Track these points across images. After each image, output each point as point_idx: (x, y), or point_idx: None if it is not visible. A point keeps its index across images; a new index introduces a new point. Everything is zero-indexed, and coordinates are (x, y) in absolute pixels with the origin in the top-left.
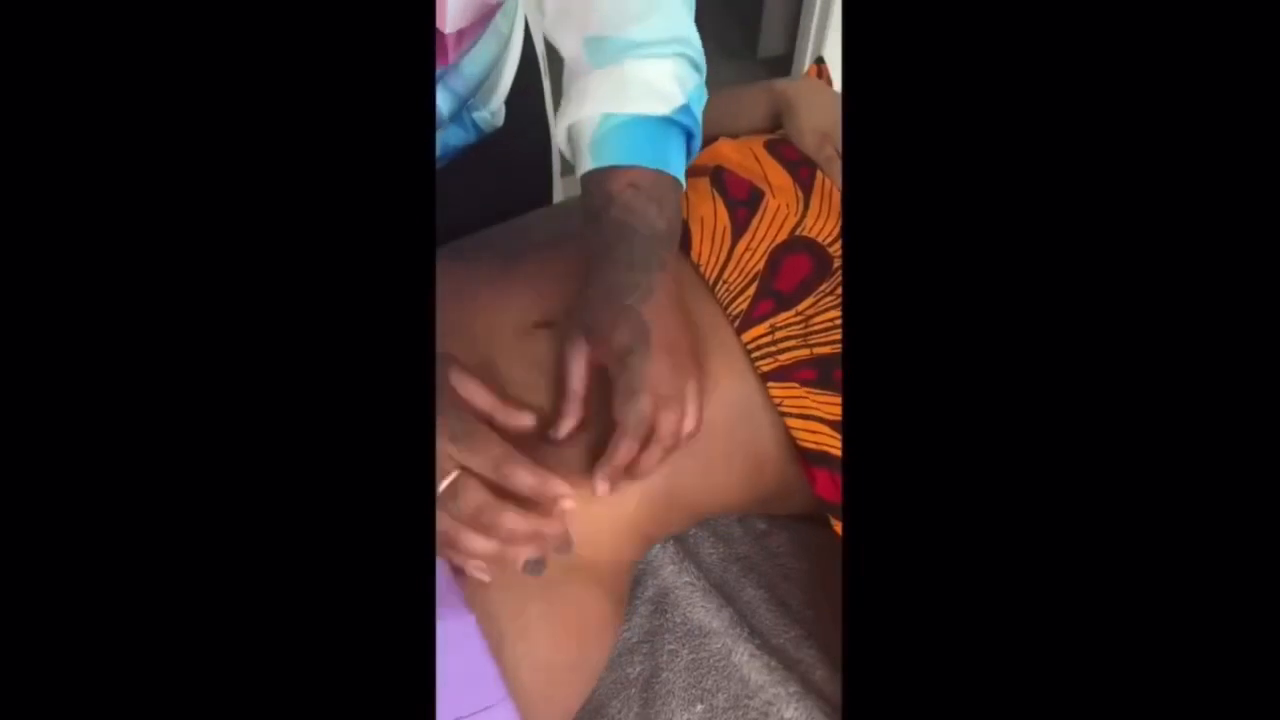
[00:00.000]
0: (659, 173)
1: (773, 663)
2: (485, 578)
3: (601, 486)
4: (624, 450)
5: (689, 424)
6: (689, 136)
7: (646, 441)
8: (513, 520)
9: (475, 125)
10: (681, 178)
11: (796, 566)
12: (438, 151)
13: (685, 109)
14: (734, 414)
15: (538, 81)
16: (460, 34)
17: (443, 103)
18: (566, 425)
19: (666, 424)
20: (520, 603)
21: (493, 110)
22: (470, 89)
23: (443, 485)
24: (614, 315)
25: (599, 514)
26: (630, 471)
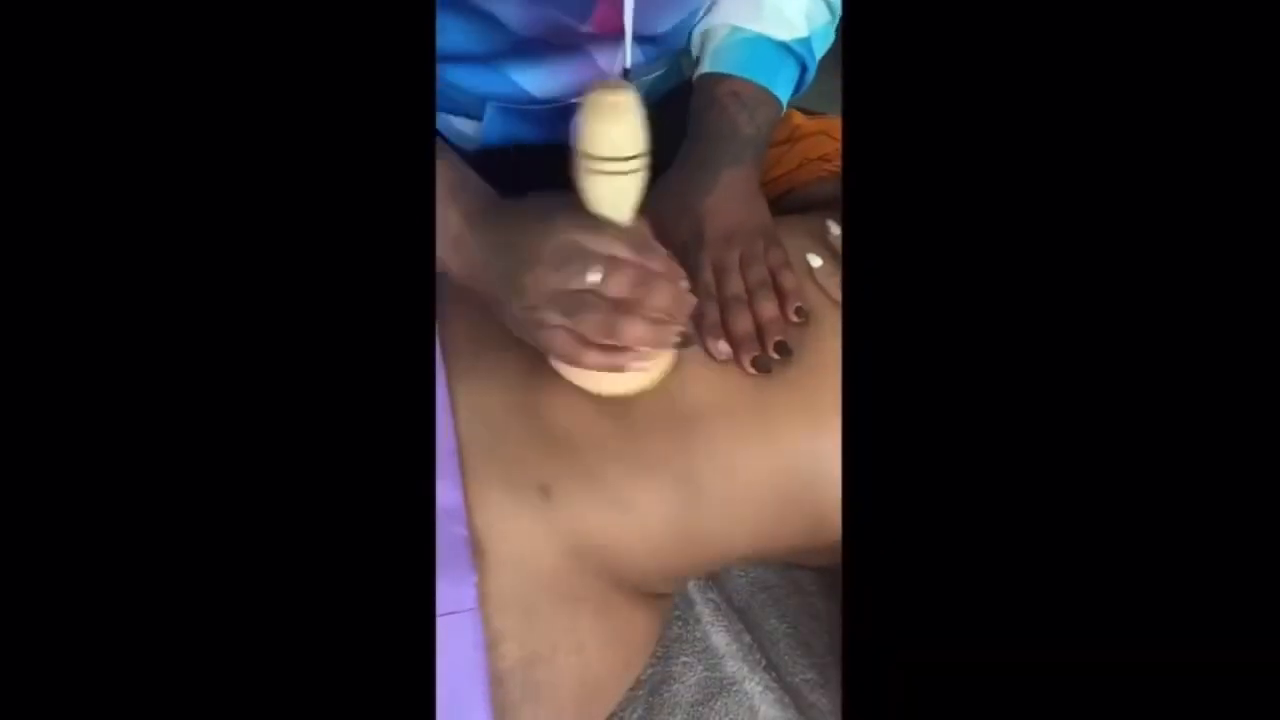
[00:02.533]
0: (761, 89)
1: (785, 699)
2: (645, 367)
3: (719, 350)
4: (708, 314)
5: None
6: (803, 68)
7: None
8: (665, 293)
9: (680, 69)
10: (784, 101)
11: (824, 607)
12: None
13: (805, 41)
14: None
15: None
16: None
17: (646, 54)
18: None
19: (733, 293)
20: (574, 615)
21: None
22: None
23: (596, 274)
24: (674, 211)
25: (648, 543)
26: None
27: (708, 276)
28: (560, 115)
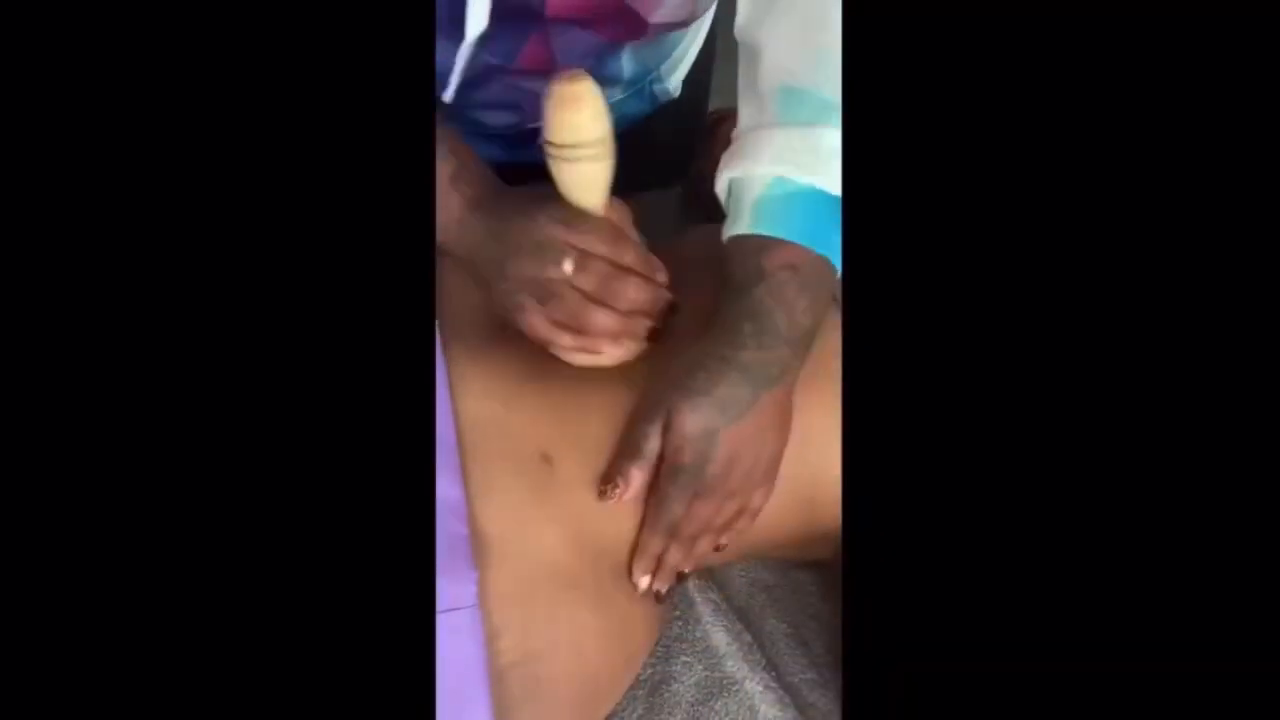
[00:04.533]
0: (822, 259)
1: (785, 699)
2: (619, 350)
3: (642, 581)
4: (651, 545)
5: (719, 542)
6: None
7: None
8: (636, 288)
9: (654, 97)
10: (840, 268)
11: (823, 608)
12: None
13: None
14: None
15: (710, 62)
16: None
17: (630, 75)
18: (617, 493)
19: (689, 534)
20: (574, 610)
21: (673, 84)
22: (660, 62)
23: (568, 265)
24: (691, 429)
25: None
26: (660, 565)
27: (675, 514)
28: (521, 138)
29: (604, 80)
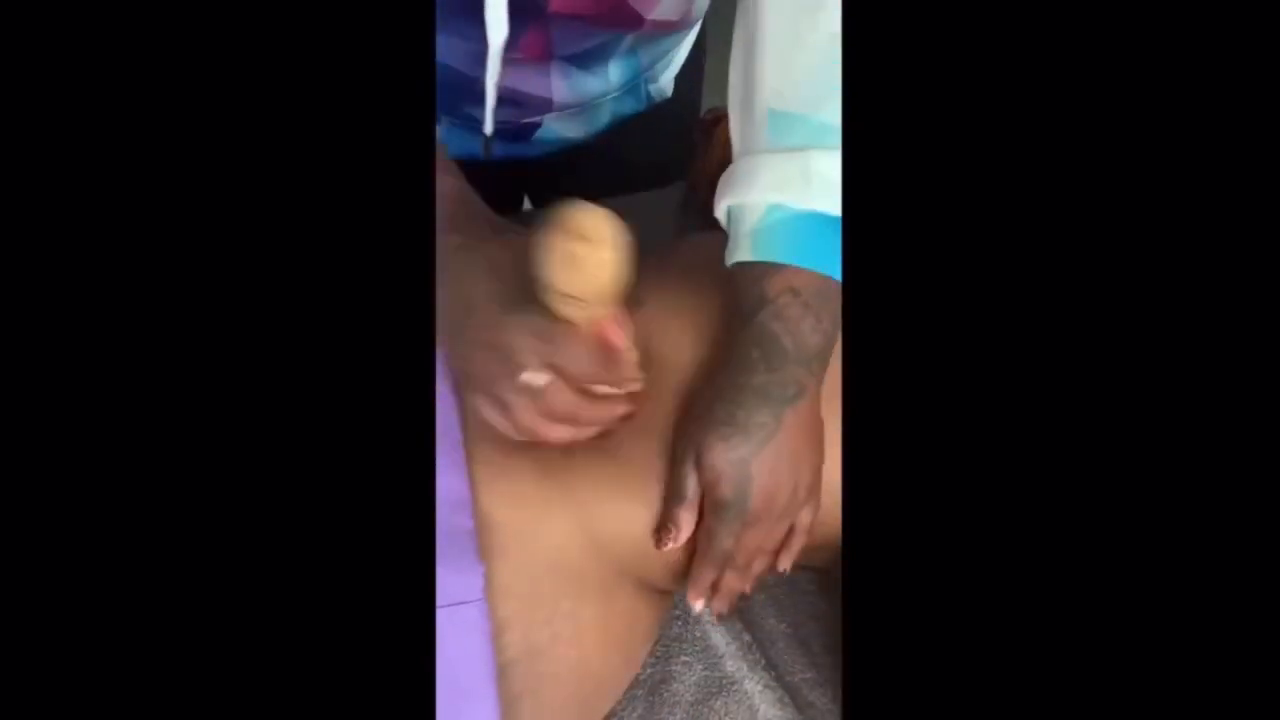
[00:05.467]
0: (824, 279)
1: (784, 698)
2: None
3: (698, 604)
4: (705, 575)
5: (778, 564)
6: None
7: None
8: (596, 412)
9: (648, 95)
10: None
11: (823, 607)
12: (605, 118)
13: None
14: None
15: (700, 59)
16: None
17: (625, 71)
18: (672, 538)
19: (743, 562)
20: (576, 603)
21: (666, 83)
22: (654, 61)
23: (539, 381)
24: (722, 463)
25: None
26: (716, 589)
27: (726, 546)
28: (515, 132)
29: (598, 76)
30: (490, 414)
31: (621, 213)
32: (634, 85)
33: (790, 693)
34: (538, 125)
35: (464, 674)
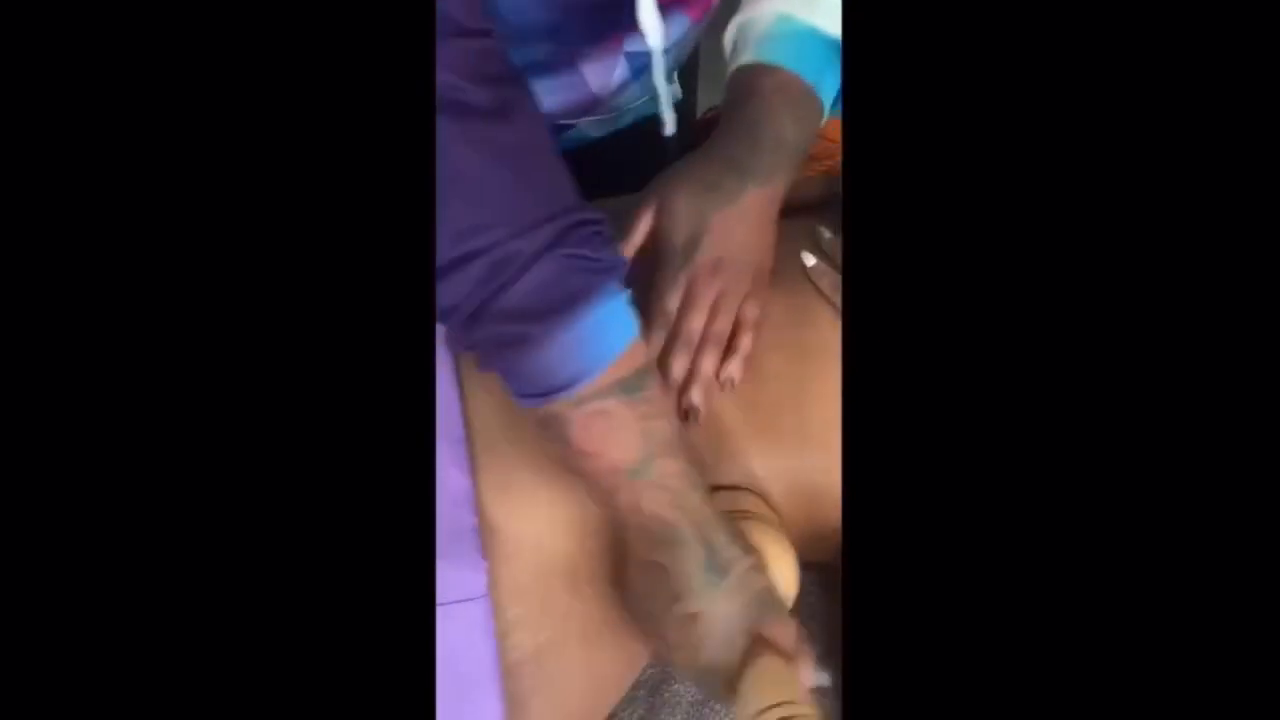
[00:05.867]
0: (809, 88)
1: None
2: None
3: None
4: (650, 342)
5: (726, 370)
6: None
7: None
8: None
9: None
10: (829, 106)
11: (824, 606)
12: (629, 120)
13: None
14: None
15: (700, 61)
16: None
17: (665, 72)
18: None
19: (690, 329)
20: (585, 603)
21: (675, 84)
22: (680, 64)
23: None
24: (684, 209)
25: None
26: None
27: (670, 302)
28: (581, 110)
29: (642, 82)
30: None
31: (620, 213)
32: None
33: None
34: (571, 127)
35: (467, 670)
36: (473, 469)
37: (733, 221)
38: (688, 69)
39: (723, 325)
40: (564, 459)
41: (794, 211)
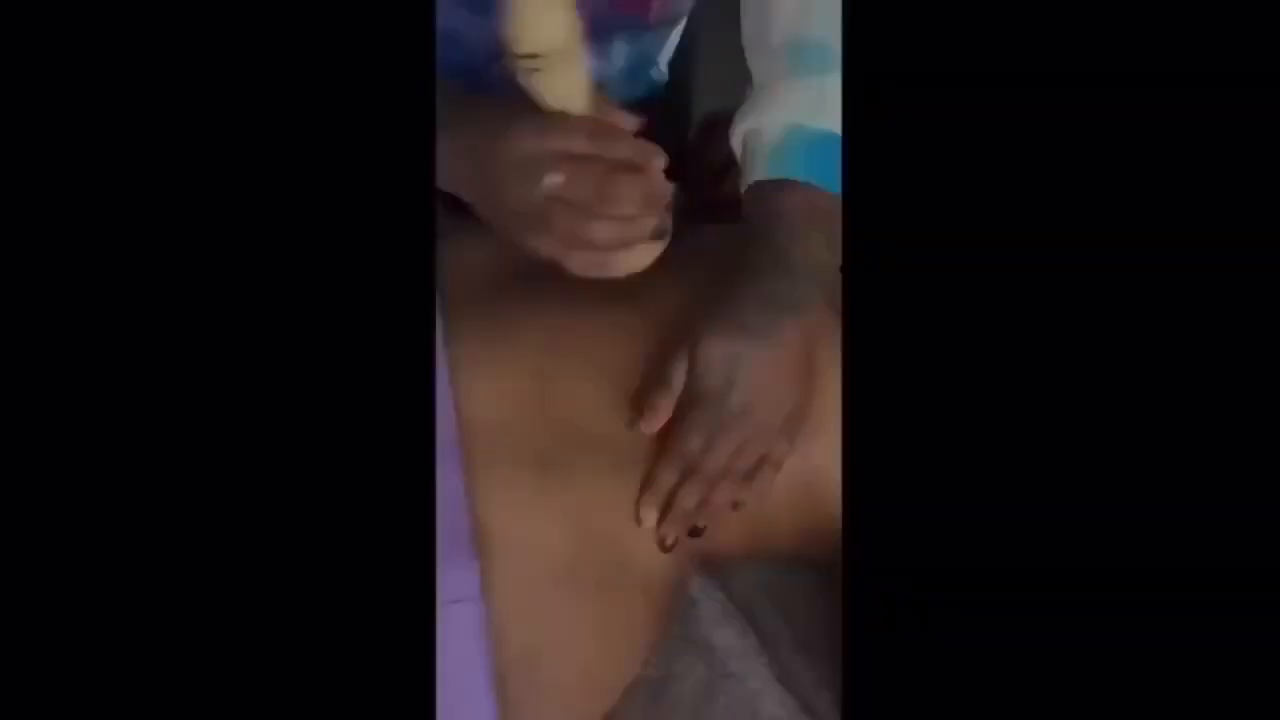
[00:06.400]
0: (835, 197)
1: (786, 698)
2: (632, 257)
3: (647, 516)
4: (664, 478)
5: (741, 495)
6: None
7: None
8: (630, 184)
9: (651, 81)
10: None
11: (825, 607)
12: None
13: None
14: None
15: (700, 60)
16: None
17: (628, 58)
18: (644, 420)
19: (708, 471)
20: (579, 604)
21: (664, 68)
22: (658, 51)
23: (551, 180)
24: (718, 356)
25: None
26: (670, 507)
27: (693, 445)
28: None
29: (601, 57)
30: (544, 244)
31: None
32: (635, 71)
33: (792, 693)
34: None
35: (460, 672)
36: (466, 469)
37: (769, 366)
38: (689, 66)
39: (745, 463)
40: None
41: None
